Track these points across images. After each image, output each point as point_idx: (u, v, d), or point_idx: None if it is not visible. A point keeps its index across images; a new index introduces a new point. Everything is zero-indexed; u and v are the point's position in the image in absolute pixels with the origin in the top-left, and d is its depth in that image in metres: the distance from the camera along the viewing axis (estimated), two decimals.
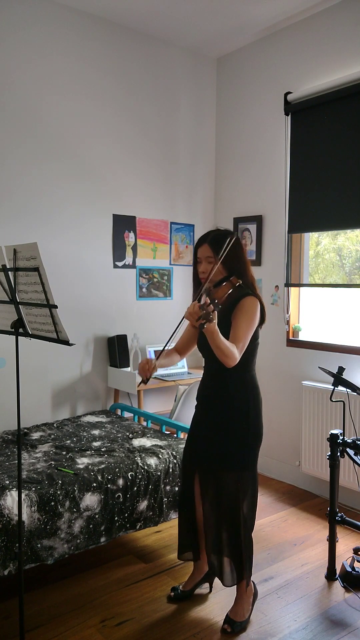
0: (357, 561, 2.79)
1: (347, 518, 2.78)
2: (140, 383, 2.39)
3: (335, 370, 2.78)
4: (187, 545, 2.52)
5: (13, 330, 2.05)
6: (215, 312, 1.94)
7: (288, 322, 3.96)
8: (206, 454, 2.35)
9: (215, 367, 2.26)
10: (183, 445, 3.03)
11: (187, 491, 2.47)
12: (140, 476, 2.73)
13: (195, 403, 2.47)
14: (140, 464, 2.79)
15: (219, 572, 2.37)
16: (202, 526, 2.43)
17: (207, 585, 2.60)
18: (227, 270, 2.27)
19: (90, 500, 2.55)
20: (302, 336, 3.95)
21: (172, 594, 2.55)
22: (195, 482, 2.44)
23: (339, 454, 2.70)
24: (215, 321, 1.97)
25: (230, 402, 2.30)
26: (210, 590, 2.59)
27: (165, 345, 2.33)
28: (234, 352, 2.10)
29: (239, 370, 2.23)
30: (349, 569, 2.67)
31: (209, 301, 1.93)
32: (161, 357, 2.37)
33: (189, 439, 2.49)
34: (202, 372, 2.44)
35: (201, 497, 2.40)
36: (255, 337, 2.27)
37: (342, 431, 2.73)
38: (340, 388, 2.87)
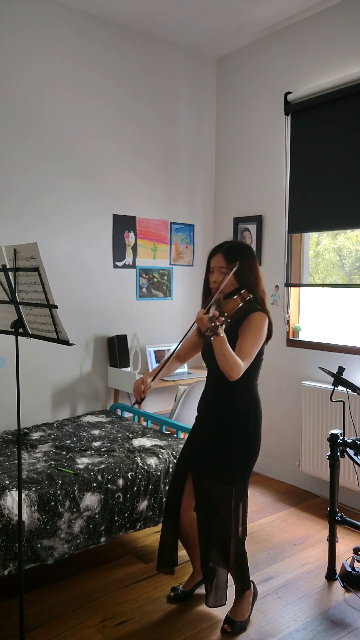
0: (357, 561, 2.79)
1: (347, 518, 2.78)
2: (134, 404, 2.37)
3: (335, 370, 2.78)
4: (168, 559, 2.46)
5: (13, 330, 2.05)
6: (224, 325, 1.92)
7: (288, 322, 3.96)
8: (201, 464, 2.32)
9: (218, 379, 2.22)
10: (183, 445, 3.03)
11: (174, 502, 2.41)
12: (140, 476, 2.73)
13: (196, 405, 2.45)
14: (140, 464, 2.79)
15: (210, 587, 2.30)
16: (192, 536, 2.39)
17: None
18: (238, 283, 2.23)
19: (90, 500, 2.55)
20: (302, 336, 3.95)
21: (172, 594, 2.55)
22: (184, 491, 2.38)
23: (339, 454, 2.70)
24: (224, 335, 1.95)
25: (229, 416, 2.27)
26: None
27: (166, 362, 2.32)
28: (239, 365, 2.07)
29: (241, 385, 2.19)
30: (349, 569, 2.67)
31: (218, 314, 1.91)
32: (159, 374, 2.33)
33: (185, 447, 2.45)
34: (205, 378, 2.41)
35: (194, 507, 2.35)
36: (260, 353, 2.24)
37: (342, 431, 2.73)
38: (340, 388, 2.87)
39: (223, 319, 1.91)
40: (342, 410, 3.00)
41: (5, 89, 3.42)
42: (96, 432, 3.30)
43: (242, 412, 2.26)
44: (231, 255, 2.21)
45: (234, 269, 2.16)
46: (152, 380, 2.30)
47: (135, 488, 2.70)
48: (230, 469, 2.25)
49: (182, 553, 2.92)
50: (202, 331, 1.98)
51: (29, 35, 3.48)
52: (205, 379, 2.41)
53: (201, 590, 2.59)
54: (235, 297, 2.15)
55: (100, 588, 2.62)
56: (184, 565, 2.80)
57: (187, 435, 2.54)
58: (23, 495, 2.37)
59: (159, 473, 2.80)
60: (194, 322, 2.14)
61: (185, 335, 2.24)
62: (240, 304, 2.15)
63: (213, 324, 1.90)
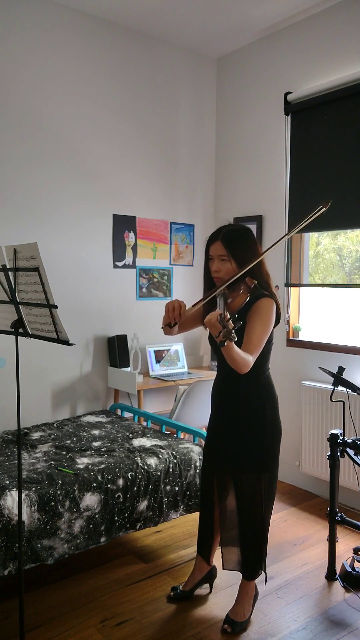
0: (357, 561, 2.78)
1: (347, 518, 2.78)
2: (165, 326, 2.16)
3: (335, 370, 2.78)
4: (207, 544, 2.52)
5: (13, 330, 2.05)
6: (236, 327, 1.83)
7: (288, 322, 3.96)
8: (224, 456, 2.34)
9: (229, 370, 2.13)
10: (183, 445, 3.03)
11: (208, 495, 2.47)
12: (140, 476, 2.73)
13: (196, 405, 2.47)
14: (140, 464, 2.79)
15: (241, 565, 2.37)
16: (218, 524, 2.44)
17: (207, 585, 2.60)
18: (240, 269, 2.12)
19: (90, 500, 2.55)
20: (302, 336, 3.95)
21: (172, 593, 2.55)
22: (214, 485, 2.43)
23: (339, 454, 2.70)
24: (236, 339, 1.85)
25: (246, 404, 2.27)
26: (211, 591, 2.59)
27: (200, 302, 2.11)
28: (248, 361, 2.03)
29: (253, 373, 2.14)
30: (349, 569, 2.67)
31: (228, 316, 1.82)
32: (198, 305, 2.12)
33: (207, 443, 2.47)
34: (204, 378, 2.41)
35: (218, 498, 2.40)
36: (270, 339, 2.21)
37: (342, 431, 2.73)
38: (340, 388, 2.87)
39: (234, 322, 1.81)
40: (342, 410, 3.00)
41: (5, 90, 3.42)
42: (96, 432, 3.30)
43: (257, 400, 2.25)
44: (230, 240, 2.14)
45: (240, 273, 2.05)
46: (193, 307, 2.11)
47: (135, 488, 2.70)
48: (254, 457, 2.26)
49: (181, 554, 2.93)
50: (214, 336, 1.87)
51: (27, 35, 3.48)
52: (217, 368, 2.37)
53: (201, 590, 2.59)
54: (241, 291, 2.08)
55: (100, 588, 2.62)
56: (184, 565, 2.80)
57: (205, 438, 2.54)
58: (23, 495, 2.37)
59: (159, 473, 2.80)
60: (204, 299, 2.04)
61: (197, 304, 2.09)
62: (247, 299, 2.09)
63: (225, 329, 1.80)
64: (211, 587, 2.60)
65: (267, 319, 2.12)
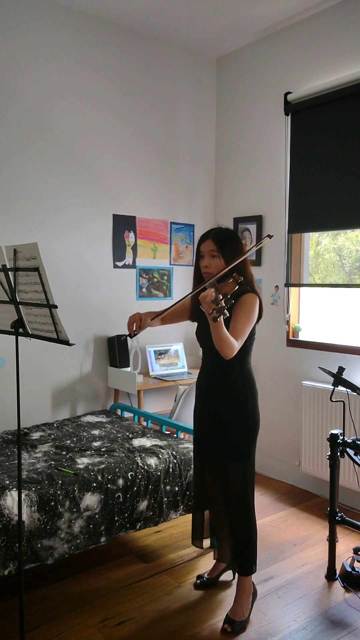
0: (357, 561, 2.79)
1: (347, 518, 2.78)
2: (126, 336, 2.40)
3: (335, 370, 2.78)
4: (199, 535, 2.61)
5: (13, 330, 2.05)
6: (227, 305, 1.97)
7: (288, 322, 3.96)
8: (212, 447, 2.44)
9: (214, 361, 2.33)
10: (183, 445, 3.03)
11: (202, 491, 2.56)
12: (140, 476, 2.73)
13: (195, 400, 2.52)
14: (140, 464, 2.79)
15: (234, 561, 2.45)
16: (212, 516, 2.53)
17: (230, 572, 2.68)
18: (228, 265, 2.29)
19: (90, 500, 2.55)
20: (302, 336, 3.95)
21: (198, 581, 2.64)
22: (206, 475, 2.52)
23: (339, 454, 2.70)
24: (228, 315, 2.00)
25: (229, 395, 2.37)
26: (234, 578, 2.62)
27: (166, 311, 2.34)
28: (234, 344, 2.16)
29: (236, 364, 2.32)
30: (349, 569, 2.67)
31: (220, 296, 1.96)
32: (159, 316, 2.37)
33: (194, 435, 2.58)
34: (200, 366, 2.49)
35: (210, 489, 2.50)
36: (252, 334, 2.35)
37: (342, 431, 2.73)
38: (340, 388, 2.87)
39: (225, 301, 1.96)
40: (342, 410, 3.00)
41: (6, 92, 3.42)
42: (96, 432, 3.30)
43: (240, 391, 2.36)
44: (220, 239, 2.31)
45: (235, 262, 2.21)
46: (152, 320, 2.37)
47: (135, 488, 2.70)
48: (240, 446, 2.36)
49: (181, 554, 2.93)
50: (207, 312, 2.02)
51: (28, 39, 3.48)
52: (201, 360, 2.51)
53: (202, 590, 2.60)
54: (230, 281, 2.25)
55: (100, 588, 2.62)
56: (185, 565, 2.80)
57: (193, 430, 2.64)
58: (23, 495, 2.37)
59: (159, 473, 2.80)
60: (192, 292, 2.24)
61: (182, 299, 2.28)
62: (236, 287, 2.25)
63: (219, 305, 1.94)
64: (234, 574, 2.62)
65: (250, 312, 2.28)
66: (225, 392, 2.38)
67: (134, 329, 2.36)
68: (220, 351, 2.16)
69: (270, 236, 2.28)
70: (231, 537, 2.45)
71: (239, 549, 2.41)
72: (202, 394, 2.50)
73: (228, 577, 2.67)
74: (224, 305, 1.95)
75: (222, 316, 1.96)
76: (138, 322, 2.37)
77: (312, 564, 2.86)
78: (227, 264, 2.26)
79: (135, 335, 2.37)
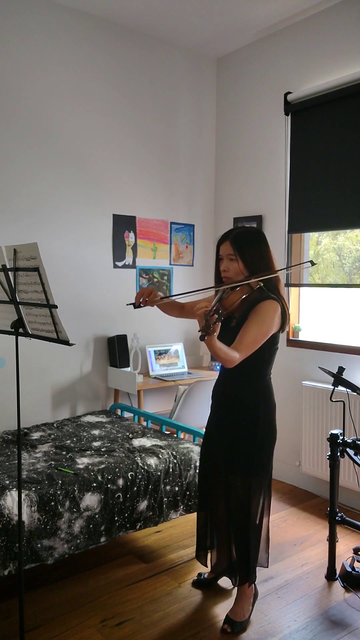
0: (357, 561, 2.79)
1: (347, 518, 2.78)
2: (129, 304, 2.35)
3: (335, 370, 2.78)
4: (203, 546, 2.54)
5: (13, 330, 2.05)
6: (218, 324, 1.86)
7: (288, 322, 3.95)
8: (216, 456, 2.37)
9: (228, 370, 2.19)
10: (183, 445, 3.03)
11: (205, 495, 2.51)
12: (140, 476, 2.73)
13: (196, 405, 2.50)
14: (140, 464, 2.79)
15: (228, 572, 2.41)
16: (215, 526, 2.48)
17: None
18: (248, 270, 2.18)
19: (90, 500, 2.55)
20: (302, 336, 3.95)
21: (196, 578, 2.64)
22: (210, 485, 2.47)
23: (339, 454, 2.70)
24: (216, 333, 1.88)
25: (239, 406, 2.28)
26: (234, 587, 2.54)
27: (177, 295, 2.30)
28: (233, 357, 2.04)
29: (253, 375, 2.21)
30: (349, 569, 2.67)
31: (214, 312, 1.85)
32: (165, 300, 2.31)
33: (204, 441, 2.52)
34: (204, 372, 2.46)
35: (212, 498, 2.45)
36: (273, 343, 2.21)
37: (342, 431, 2.73)
38: (340, 388, 2.87)
39: (217, 316, 1.84)
40: (342, 410, 3.00)
41: (6, 92, 3.42)
42: (96, 432, 3.30)
43: (252, 403, 2.26)
44: (239, 242, 2.18)
45: (253, 278, 2.13)
46: (160, 300, 2.30)
47: (135, 488, 2.70)
48: (243, 460, 2.27)
49: (181, 554, 2.93)
50: (199, 325, 1.92)
51: (28, 39, 3.48)
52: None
53: (202, 590, 2.60)
54: (238, 288, 2.12)
55: (100, 588, 2.62)
56: (185, 565, 2.80)
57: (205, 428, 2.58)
58: (23, 495, 2.37)
59: (159, 473, 2.80)
60: (181, 294, 2.22)
61: (195, 291, 2.22)
62: (245, 295, 2.12)
63: (206, 322, 1.83)
64: (234, 582, 2.54)
65: (266, 321, 2.13)
66: (235, 404, 2.28)
67: (141, 300, 2.27)
68: (222, 364, 2.08)
69: (313, 263, 2.17)
70: (229, 549, 2.37)
71: (236, 561, 2.35)
72: (214, 403, 2.43)
73: (227, 584, 2.62)
74: (211, 323, 1.82)
75: (207, 336, 1.83)
76: (147, 296, 2.27)
77: (312, 564, 2.86)
78: (246, 269, 2.15)
79: (139, 306, 2.28)
